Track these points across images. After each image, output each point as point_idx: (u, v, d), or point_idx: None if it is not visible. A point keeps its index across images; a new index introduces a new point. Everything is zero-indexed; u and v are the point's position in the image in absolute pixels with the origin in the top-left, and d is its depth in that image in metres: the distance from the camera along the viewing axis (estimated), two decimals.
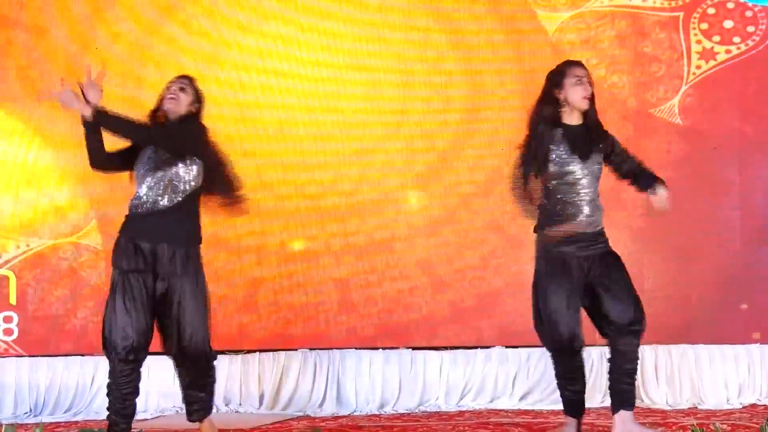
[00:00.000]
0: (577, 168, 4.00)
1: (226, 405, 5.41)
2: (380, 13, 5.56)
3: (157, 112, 4.12)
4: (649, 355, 5.39)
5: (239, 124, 5.56)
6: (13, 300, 5.43)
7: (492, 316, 5.43)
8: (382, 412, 5.29)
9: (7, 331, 5.43)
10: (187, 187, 3.99)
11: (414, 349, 5.43)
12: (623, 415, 4.08)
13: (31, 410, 5.36)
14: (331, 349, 5.46)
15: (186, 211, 4.02)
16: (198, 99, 4.23)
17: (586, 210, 4.05)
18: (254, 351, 5.49)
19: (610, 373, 4.11)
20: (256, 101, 5.59)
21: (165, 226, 3.94)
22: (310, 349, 5.46)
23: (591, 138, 4.05)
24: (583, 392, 4.19)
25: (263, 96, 5.59)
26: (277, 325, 5.52)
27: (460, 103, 5.44)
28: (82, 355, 5.40)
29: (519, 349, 5.42)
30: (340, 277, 5.49)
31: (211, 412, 4.16)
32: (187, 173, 3.99)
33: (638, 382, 5.28)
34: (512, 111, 5.38)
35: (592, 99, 4.08)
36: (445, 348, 5.45)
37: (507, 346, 5.41)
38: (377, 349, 5.43)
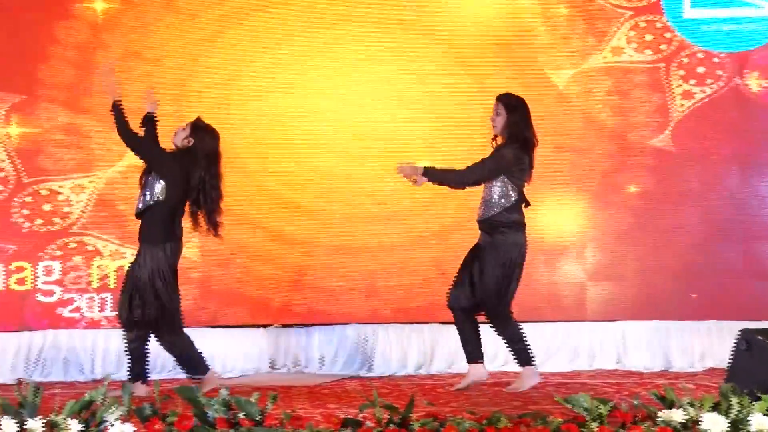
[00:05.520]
0: None
1: (295, 367, 6.10)
2: (421, 63, 6.23)
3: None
4: (628, 328, 6.22)
5: (298, 136, 6.21)
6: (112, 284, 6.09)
7: None
8: (417, 373, 6.00)
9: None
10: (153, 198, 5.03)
11: (441, 323, 6.07)
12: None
13: None
14: (373, 323, 6.15)
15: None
16: (193, 134, 5.10)
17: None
18: (315, 324, 6.18)
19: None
20: (315, 120, 6.22)
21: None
22: (359, 324, 6.17)
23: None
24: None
25: (322, 115, 6.23)
26: (327, 303, 6.19)
27: (479, 135, 5.83)
28: (185, 327, 5.70)
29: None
30: (371, 268, 6.22)
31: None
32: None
33: (620, 350, 6.27)
34: None
35: (503, 125, 5.13)
36: None
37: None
38: (417, 323, 6.16)
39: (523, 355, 5.28)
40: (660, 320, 6.24)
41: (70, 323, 6.07)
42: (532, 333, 6.06)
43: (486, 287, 5.16)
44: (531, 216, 6.18)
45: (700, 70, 6.35)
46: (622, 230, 6.32)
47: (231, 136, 6.17)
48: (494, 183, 5.17)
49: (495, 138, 5.29)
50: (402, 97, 6.25)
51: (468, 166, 5.20)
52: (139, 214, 5.19)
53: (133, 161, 5.77)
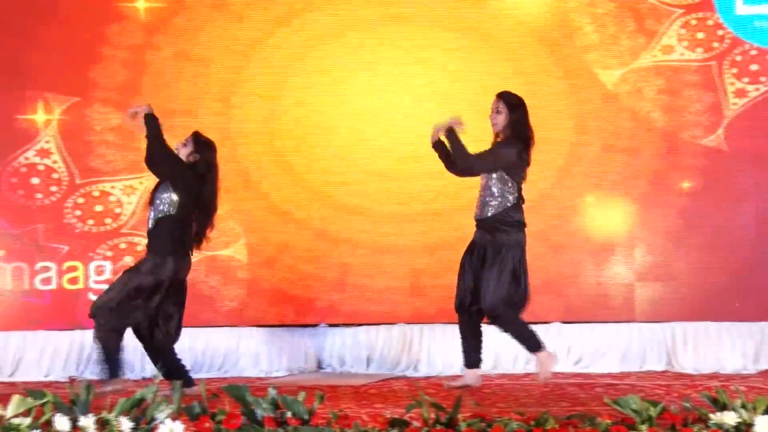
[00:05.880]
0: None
1: (341, 366, 6.13)
2: (467, 63, 6.23)
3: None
4: (678, 329, 6.14)
5: (344, 136, 6.25)
6: None
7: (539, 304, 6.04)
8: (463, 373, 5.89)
9: None
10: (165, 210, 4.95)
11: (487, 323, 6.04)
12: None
13: (192, 368, 5.79)
14: (421, 323, 6.15)
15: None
16: (197, 150, 5.03)
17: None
18: (361, 324, 6.19)
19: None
20: (366, 121, 6.25)
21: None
22: (406, 323, 6.19)
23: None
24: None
25: (371, 117, 6.27)
26: (372, 303, 6.22)
27: None
28: (230, 326, 6.15)
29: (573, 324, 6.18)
30: (416, 267, 6.23)
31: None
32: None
33: (670, 351, 6.17)
34: (563, 144, 6.20)
35: (505, 123, 5.06)
36: None
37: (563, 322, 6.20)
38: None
39: (532, 342, 5.16)
40: (711, 321, 6.17)
41: None
42: (581, 334, 6.16)
43: (496, 288, 5.05)
44: (578, 216, 6.26)
45: (754, 67, 6.24)
46: (672, 230, 6.25)
47: (277, 136, 6.30)
48: (494, 181, 5.10)
49: (497, 135, 5.23)
50: (448, 97, 6.24)
51: (473, 154, 5.12)
52: (149, 232, 5.08)
53: None
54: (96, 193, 6.21)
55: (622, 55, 6.29)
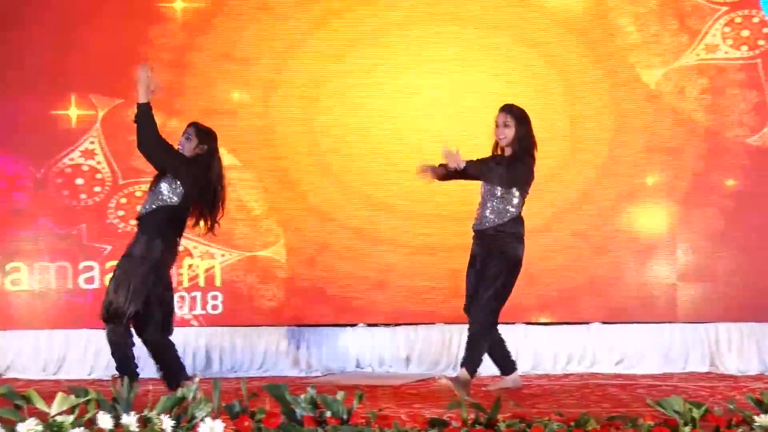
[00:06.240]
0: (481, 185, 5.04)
1: (380, 366, 6.14)
2: (507, 63, 6.22)
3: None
4: (722, 330, 6.06)
5: (384, 136, 6.26)
6: (218, 283, 6.24)
7: (572, 304, 6.16)
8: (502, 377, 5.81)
9: (214, 307, 6.21)
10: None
11: (527, 324, 6.14)
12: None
13: (232, 367, 6.09)
14: (460, 324, 5.84)
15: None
16: (203, 140, 5.05)
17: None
18: (400, 324, 6.19)
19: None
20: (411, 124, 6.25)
21: None
22: (445, 323, 6.17)
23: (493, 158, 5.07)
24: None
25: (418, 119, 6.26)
26: (411, 302, 6.22)
27: (562, 137, 6.14)
28: (269, 326, 6.19)
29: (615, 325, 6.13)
30: (455, 267, 5.97)
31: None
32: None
33: (714, 352, 6.10)
34: (602, 144, 6.16)
35: (513, 138, 4.96)
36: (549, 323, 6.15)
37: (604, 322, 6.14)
38: (502, 324, 5.91)
39: (477, 363, 5.11)
40: (755, 322, 6.07)
41: None
42: (622, 334, 6.11)
43: (493, 292, 5.03)
44: (619, 216, 6.21)
45: None
46: (715, 230, 6.17)
47: (317, 136, 6.32)
48: (499, 192, 5.06)
49: (501, 149, 5.16)
50: (488, 97, 6.18)
51: (489, 166, 5.05)
52: (143, 216, 5.08)
53: (225, 165, 5.91)
54: (138, 194, 6.26)
55: (664, 53, 6.22)
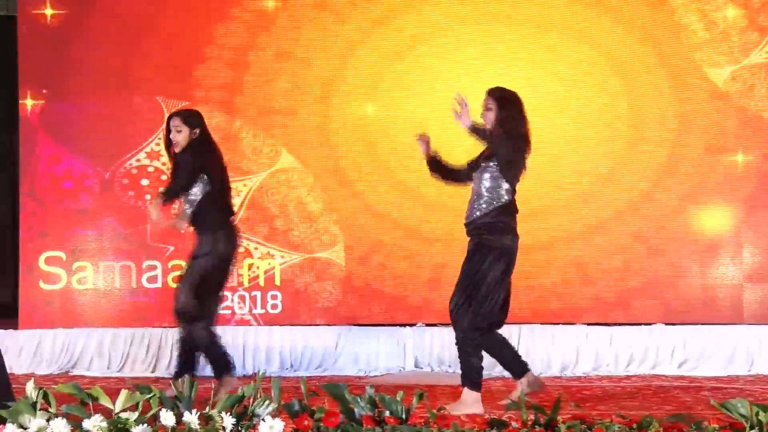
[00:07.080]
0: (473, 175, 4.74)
1: (438, 366, 6.05)
2: (566, 63, 6.19)
3: (170, 147, 4.99)
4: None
5: (440, 134, 5.91)
6: (278, 282, 6.33)
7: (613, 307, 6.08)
8: (563, 375, 5.93)
9: (273, 306, 6.30)
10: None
11: (587, 325, 6.09)
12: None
13: (291, 366, 6.13)
14: (518, 324, 5.98)
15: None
16: (193, 125, 4.93)
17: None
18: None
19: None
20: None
21: None
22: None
23: (482, 153, 4.75)
24: None
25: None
26: None
27: (622, 137, 6.09)
28: (328, 325, 6.24)
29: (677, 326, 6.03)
30: None
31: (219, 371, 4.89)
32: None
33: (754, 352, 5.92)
34: (664, 144, 6.08)
35: (496, 121, 4.63)
36: (609, 324, 6.06)
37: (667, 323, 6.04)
38: (560, 324, 6.07)
39: (475, 376, 4.66)
40: None
41: (223, 320, 6.26)
42: (686, 336, 6.00)
43: (459, 291, 4.71)
44: (681, 217, 6.11)
45: None
46: None
47: (373, 135, 6.35)
48: (485, 180, 4.72)
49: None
50: (546, 97, 6.16)
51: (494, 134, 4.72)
52: (192, 217, 5.02)
53: (284, 165, 6.00)
54: None
55: (732, 52, 6.11)
